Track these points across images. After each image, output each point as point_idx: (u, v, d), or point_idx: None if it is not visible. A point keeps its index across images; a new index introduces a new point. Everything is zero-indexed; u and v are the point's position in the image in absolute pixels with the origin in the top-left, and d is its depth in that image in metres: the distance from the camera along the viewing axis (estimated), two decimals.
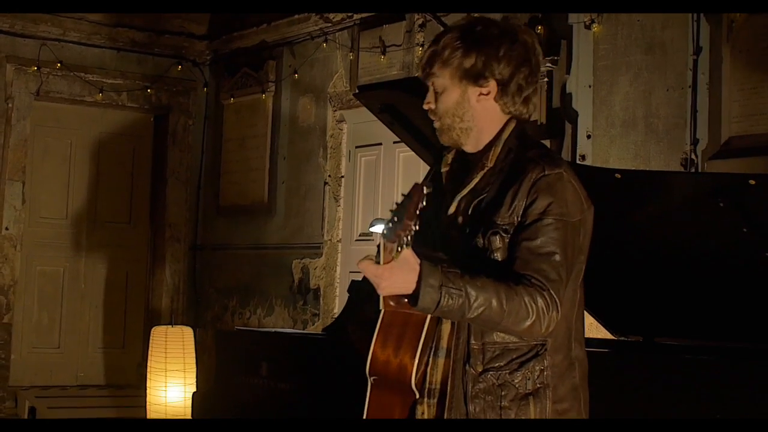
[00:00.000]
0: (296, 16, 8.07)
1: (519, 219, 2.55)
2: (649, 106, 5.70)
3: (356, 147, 7.82)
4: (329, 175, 7.91)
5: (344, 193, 7.84)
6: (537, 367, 2.57)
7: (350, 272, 7.56)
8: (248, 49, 8.63)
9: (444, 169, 2.80)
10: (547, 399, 2.57)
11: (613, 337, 4.49)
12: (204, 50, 9.05)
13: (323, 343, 4.74)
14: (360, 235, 7.69)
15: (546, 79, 6.14)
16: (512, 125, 2.70)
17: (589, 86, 5.98)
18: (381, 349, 2.64)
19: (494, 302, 2.44)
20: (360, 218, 7.72)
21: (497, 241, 2.56)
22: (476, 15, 2.79)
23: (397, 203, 2.39)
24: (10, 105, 8.30)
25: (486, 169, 2.66)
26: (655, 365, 3.62)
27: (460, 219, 2.66)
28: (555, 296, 2.49)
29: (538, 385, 2.56)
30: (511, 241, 2.55)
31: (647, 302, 4.06)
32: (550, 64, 6.13)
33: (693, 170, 5.41)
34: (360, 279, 3.29)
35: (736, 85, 5.27)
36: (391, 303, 2.53)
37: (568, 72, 6.10)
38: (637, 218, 3.69)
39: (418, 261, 2.43)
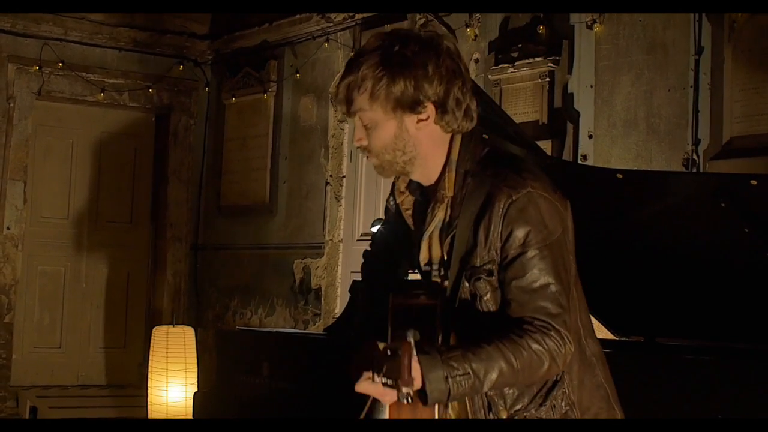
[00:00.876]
0: (298, 16, 8.07)
1: (499, 255, 2.40)
2: (651, 106, 5.70)
3: (358, 147, 7.81)
4: (331, 175, 7.91)
5: (346, 193, 7.84)
6: (560, 392, 2.45)
7: (351, 272, 7.56)
8: (250, 49, 8.63)
9: (400, 199, 2.62)
10: (575, 416, 2.46)
11: (614, 337, 4.48)
12: (205, 50, 9.05)
13: (324, 343, 4.74)
14: (361, 235, 7.68)
15: (547, 79, 6.15)
16: (458, 142, 2.50)
17: (591, 86, 5.98)
18: (396, 413, 2.44)
19: (505, 368, 2.31)
20: (361, 218, 7.72)
21: (484, 287, 2.41)
22: (387, 31, 2.52)
23: (388, 350, 2.25)
24: (11, 104, 8.30)
25: (446, 200, 2.48)
26: (657, 365, 3.62)
27: (435, 263, 2.52)
28: (562, 330, 2.36)
29: (565, 408, 2.46)
30: (498, 279, 2.40)
31: (648, 302, 4.06)
32: (551, 64, 6.13)
33: (694, 170, 5.41)
34: (360, 279, 3.26)
35: (738, 85, 5.26)
36: (409, 399, 2.33)
37: (569, 72, 6.10)
38: (639, 218, 3.68)
39: (416, 359, 2.26)
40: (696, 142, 5.46)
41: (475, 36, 6.67)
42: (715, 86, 5.39)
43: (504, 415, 2.44)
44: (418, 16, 7.13)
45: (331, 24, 7.84)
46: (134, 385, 8.58)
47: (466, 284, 2.43)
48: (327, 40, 7.90)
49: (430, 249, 2.53)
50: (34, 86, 8.41)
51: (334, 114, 7.92)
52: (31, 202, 8.55)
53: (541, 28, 6.16)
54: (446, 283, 2.48)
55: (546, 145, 5.87)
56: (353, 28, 7.72)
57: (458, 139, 2.50)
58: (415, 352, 2.25)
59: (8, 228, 8.28)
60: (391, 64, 2.42)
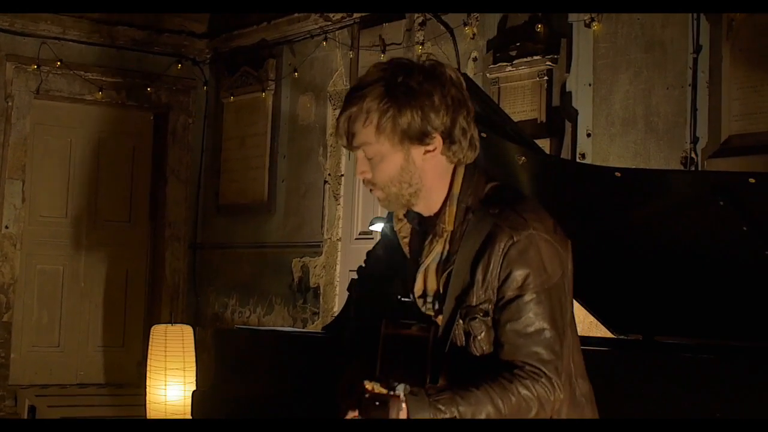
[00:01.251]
0: (296, 15, 8.07)
1: (496, 295, 2.37)
2: (649, 104, 5.70)
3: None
4: (329, 174, 7.91)
5: (344, 192, 7.84)
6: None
7: (350, 271, 7.56)
8: (248, 48, 8.63)
9: (398, 226, 2.57)
10: None
11: (612, 336, 4.48)
12: (204, 49, 9.04)
13: (323, 341, 4.74)
14: (360, 234, 7.69)
15: (546, 78, 6.15)
16: (461, 174, 2.47)
17: (589, 85, 5.98)
18: None
19: (492, 412, 2.29)
20: (360, 217, 7.72)
21: (478, 326, 2.38)
22: (387, 61, 2.47)
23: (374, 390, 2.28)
24: (9, 103, 8.30)
25: (445, 234, 2.45)
26: (655, 364, 3.61)
27: (430, 296, 2.48)
28: (553, 378, 2.34)
29: None
30: (493, 320, 2.38)
31: (647, 301, 4.06)
32: (549, 63, 6.13)
33: (693, 169, 5.41)
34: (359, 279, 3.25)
35: (736, 83, 5.27)
36: None
37: (567, 70, 6.10)
38: (637, 217, 3.68)
39: (402, 402, 2.26)
40: (694, 140, 5.47)
41: (474, 35, 6.67)
42: (713, 85, 5.40)
43: None
44: (416, 15, 7.13)
45: (330, 23, 7.84)
46: (133, 384, 8.58)
47: (461, 322, 2.40)
48: (325, 39, 7.90)
49: (425, 281, 2.49)
50: (32, 85, 8.40)
51: (333, 112, 7.92)
52: (29, 201, 8.55)
53: (539, 27, 6.16)
54: (440, 318, 2.45)
55: (544, 144, 5.87)
56: (351, 27, 7.72)
57: (461, 171, 2.47)
58: (403, 406, 2.25)
59: (6, 227, 8.28)
60: (396, 95, 2.38)
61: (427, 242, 2.48)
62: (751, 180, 3.31)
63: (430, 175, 2.44)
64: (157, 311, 8.88)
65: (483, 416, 2.29)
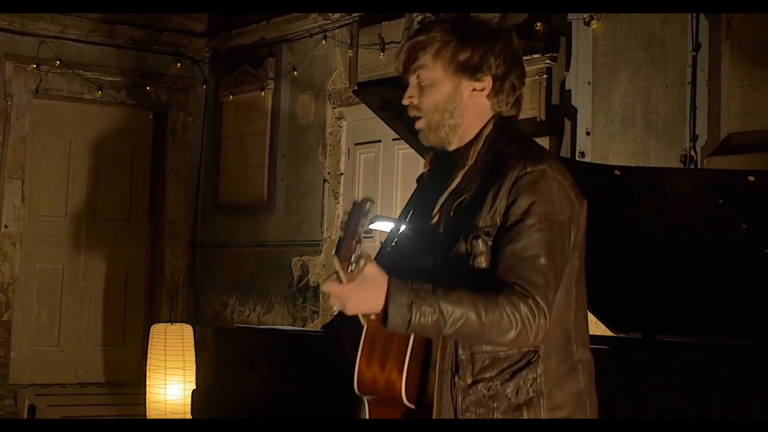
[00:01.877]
0: (295, 14, 8.06)
1: (501, 220, 2.42)
2: (649, 102, 5.70)
3: (355, 144, 7.82)
4: (328, 173, 7.91)
5: (343, 191, 7.84)
6: (530, 376, 2.44)
7: None
8: (247, 47, 8.62)
9: (425, 171, 2.69)
10: (541, 408, 2.44)
11: (612, 334, 4.49)
12: (203, 47, 9.04)
13: (323, 340, 4.74)
14: None
15: (545, 76, 6.14)
16: (493, 121, 2.58)
17: (589, 83, 5.98)
18: (366, 366, 2.52)
19: (472, 315, 2.32)
20: None
21: (479, 246, 2.43)
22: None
23: (342, 222, 2.34)
24: (9, 103, 8.30)
25: (467, 167, 2.53)
26: (655, 362, 3.62)
27: (442, 223, 2.54)
28: (541, 303, 2.35)
29: (531, 395, 2.44)
30: (494, 244, 2.42)
31: (646, 299, 4.06)
32: (549, 61, 6.13)
33: (692, 167, 5.41)
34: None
35: (736, 81, 5.27)
36: (372, 317, 2.40)
37: (567, 69, 6.10)
38: (636, 215, 3.69)
39: (386, 278, 2.33)
40: (694, 138, 5.46)
41: None
42: (712, 83, 5.39)
43: (468, 381, 2.45)
44: (415, 13, 7.13)
45: (329, 21, 7.84)
46: (133, 383, 8.58)
47: (464, 242, 2.45)
48: (324, 38, 7.89)
49: (441, 209, 2.56)
50: (31, 84, 8.40)
51: (332, 111, 7.92)
52: (29, 200, 8.55)
53: (538, 25, 6.16)
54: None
55: (544, 142, 5.87)
56: (350, 26, 7.71)
57: (494, 119, 2.58)
58: (366, 209, 2.32)
59: (6, 226, 8.28)
60: (462, 31, 2.55)
61: (450, 175, 2.56)
62: (750, 178, 3.32)
63: (472, 112, 2.56)
64: (157, 310, 8.88)
65: (462, 318, 2.32)
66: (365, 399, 2.59)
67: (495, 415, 2.43)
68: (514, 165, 2.45)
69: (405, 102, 2.60)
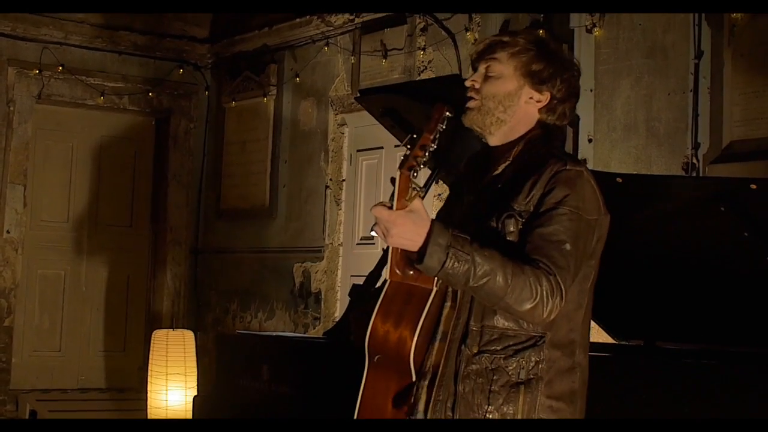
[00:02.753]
0: (297, 20, 8.08)
1: (534, 207, 2.56)
2: (651, 110, 5.70)
3: (357, 150, 7.82)
4: (330, 179, 7.92)
5: (345, 197, 7.84)
6: (533, 358, 2.55)
7: (351, 276, 7.56)
8: (250, 53, 8.63)
9: (464, 168, 2.85)
10: (539, 392, 2.55)
11: (614, 341, 4.48)
12: (205, 53, 9.05)
13: (324, 346, 4.74)
14: (361, 239, 7.69)
15: None
16: (538, 128, 2.73)
17: (591, 90, 5.98)
18: (382, 321, 2.60)
19: (499, 275, 2.44)
20: (361, 222, 7.72)
21: (511, 225, 2.56)
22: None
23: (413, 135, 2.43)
24: (11, 108, 8.31)
25: (508, 161, 2.69)
26: (657, 369, 3.61)
27: (478, 205, 2.68)
28: (561, 283, 2.47)
29: (531, 376, 2.55)
30: (524, 228, 2.55)
31: (648, 306, 4.06)
32: None
33: (694, 174, 5.41)
34: (361, 283, 3.29)
35: (738, 89, 5.26)
36: (398, 272, 2.54)
37: None
38: (638, 222, 3.69)
39: (430, 217, 2.44)
40: (696, 146, 5.46)
41: (475, 39, 6.67)
42: (714, 90, 5.39)
43: (474, 350, 2.56)
44: (418, 19, 7.14)
45: (331, 28, 7.85)
46: (134, 388, 8.58)
47: (495, 220, 2.58)
48: (327, 44, 7.90)
49: (479, 196, 2.70)
50: (34, 90, 8.41)
51: (334, 117, 7.92)
52: (31, 205, 8.55)
53: (540, 32, 6.16)
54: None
55: None
56: (353, 32, 7.72)
57: (538, 127, 2.73)
58: (446, 114, 2.45)
59: (8, 232, 8.29)
60: (544, 48, 2.72)
61: (490, 168, 2.71)
62: (753, 186, 3.32)
63: (521, 116, 2.71)
64: (159, 316, 8.88)
65: (489, 274, 2.44)
66: (367, 361, 2.64)
67: (493, 388, 2.55)
68: (554, 162, 2.61)
69: (467, 83, 2.73)
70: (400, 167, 2.43)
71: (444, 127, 2.46)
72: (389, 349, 2.59)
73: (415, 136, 2.44)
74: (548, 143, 2.71)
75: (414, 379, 2.60)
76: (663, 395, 3.44)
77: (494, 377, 2.55)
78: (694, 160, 5.46)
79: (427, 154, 2.43)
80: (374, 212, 2.45)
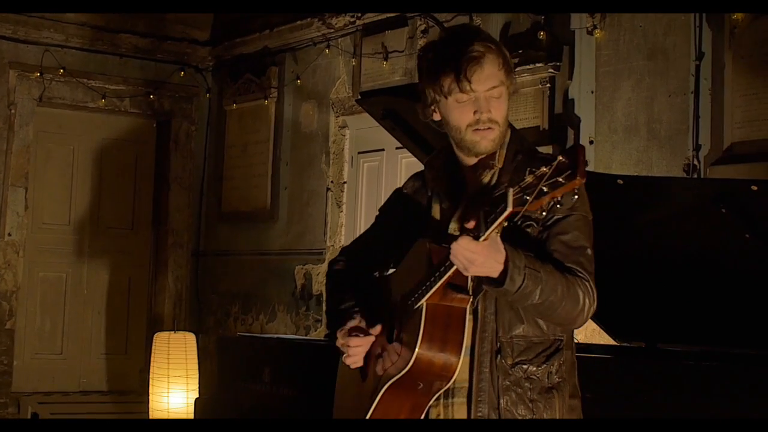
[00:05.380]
0: (298, 22, 8.08)
1: (546, 213, 2.50)
2: (652, 111, 5.70)
3: (359, 153, 7.82)
4: (332, 181, 7.92)
5: (347, 199, 7.84)
6: (557, 362, 2.61)
7: None
8: (251, 55, 8.63)
9: (430, 174, 2.80)
10: (566, 393, 2.62)
11: (615, 343, 4.48)
12: (206, 56, 9.05)
13: (326, 349, 4.74)
14: None
15: (548, 85, 6.15)
16: (508, 126, 2.72)
17: (592, 92, 5.98)
18: (428, 348, 2.55)
19: (560, 288, 2.49)
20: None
21: (531, 232, 2.59)
22: (459, 25, 2.81)
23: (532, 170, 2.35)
24: (12, 111, 8.31)
25: (495, 168, 2.66)
26: (658, 371, 3.61)
27: (470, 215, 2.60)
28: (592, 287, 2.55)
29: (558, 380, 2.61)
30: (543, 235, 2.59)
31: (649, 308, 4.06)
32: (552, 70, 6.13)
33: (695, 176, 5.41)
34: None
35: (739, 90, 5.27)
36: (437, 296, 2.52)
37: (570, 78, 6.10)
38: (639, 224, 3.69)
39: (502, 243, 2.45)
40: (697, 147, 5.46)
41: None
42: (715, 92, 5.40)
43: (509, 362, 2.58)
44: (418, 21, 7.14)
45: (332, 30, 7.85)
46: (135, 391, 8.58)
47: (514, 229, 2.54)
48: (328, 46, 7.90)
49: (466, 208, 2.67)
50: (35, 93, 8.41)
51: (335, 120, 7.93)
52: (32, 208, 8.55)
53: (541, 34, 6.17)
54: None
55: (546, 151, 5.87)
56: (354, 34, 7.72)
57: (510, 129, 2.74)
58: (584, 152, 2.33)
59: (9, 234, 8.28)
60: (499, 45, 2.68)
61: (476, 175, 2.69)
62: (754, 187, 3.32)
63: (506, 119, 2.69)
64: (160, 318, 8.88)
65: (553, 290, 2.48)
66: (388, 384, 2.60)
67: (532, 396, 2.58)
68: None
69: (485, 115, 2.64)
70: (517, 205, 2.34)
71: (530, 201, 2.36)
72: (433, 374, 2.57)
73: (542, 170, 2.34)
74: (523, 142, 2.72)
75: (431, 397, 2.60)
76: (664, 397, 3.45)
77: (530, 386, 2.59)
78: (695, 162, 5.46)
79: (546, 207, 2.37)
80: (463, 244, 2.41)
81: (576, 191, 2.38)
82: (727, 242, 3.55)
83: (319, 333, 7.69)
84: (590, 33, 5.99)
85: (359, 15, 7.60)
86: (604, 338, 4.52)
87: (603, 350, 4.27)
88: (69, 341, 8.81)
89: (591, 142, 5.95)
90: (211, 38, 9.05)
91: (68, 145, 8.87)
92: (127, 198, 9.12)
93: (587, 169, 2.33)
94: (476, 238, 2.40)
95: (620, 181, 3.56)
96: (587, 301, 2.53)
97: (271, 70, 8.43)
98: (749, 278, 3.64)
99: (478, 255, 2.42)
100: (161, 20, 8.81)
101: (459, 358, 2.54)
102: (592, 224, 2.65)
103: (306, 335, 7.81)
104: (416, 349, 2.54)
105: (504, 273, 2.45)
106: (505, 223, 2.39)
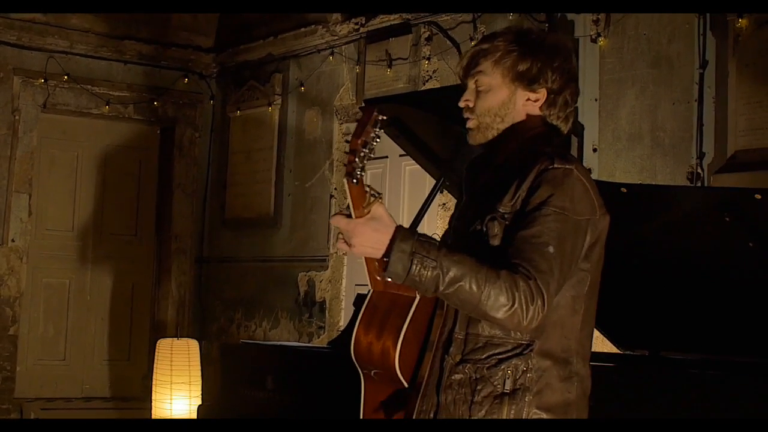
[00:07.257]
0: (302, 29, 8.09)
1: (519, 207, 2.44)
2: (655, 119, 5.70)
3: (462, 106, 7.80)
4: (335, 188, 7.92)
5: None
6: (520, 367, 2.43)
7: (356, 285, 7.56)
8: (255, 62, 8.65)
9: (465, 173, 2.77)
10: (525, 403, 2.42)
11: (618, 351, 4.48)
12: (210, 63, 9.07)
13: (329, 356, 4.74)
14: None
15: None
16: (541, 126, 2.63)
17: (595, 100, 5.98)
18: (364, 333, 2.54)
19: (471, 280, 2.31)
20: None
21: (495, 228, 2.45)
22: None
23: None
24: (17, 117, 8.32)
25: (500, 163, 2.61)
26: (661, 379, 3.61)
27: (470, 208, 2.60)
28: (542, 288, 2.32)
29: (517, 387, 2.42)
30: (508, 230, 2.44)
31: (653, 316, 4.05)
32: None
33: (699, 184, 5.41)
34: (366, 292, 3.28)
35: (743, 98, 5.27)
36: (378, 278, 2.45)
37: None
38: (643, 232, 3.68)
39: (395, 224, 2.37)
40: (700, 155, 5.46)
41: None
42: (719, 100, 5.40)
43: (457, 359, 2.47)
44: (422, 28, 7.15)
45: (336, 37, 7.86)
46: (138, 397, 8.58)
47: (480, 223, 2.49)
48: (332, 54, 7.91)
49: (471, 201, 2.63)
50: (39, 99, 8.43)
51: (339, 127, 7.93)
52: (36, 214, 8.56)
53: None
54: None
55: None
56: (358, 42, 7.73)
57: (542, 125, 2.63)
58: (376, 115, 2.35)
59: (13, 240, 8.29)
60: (525, 44, 2.60)
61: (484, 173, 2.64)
62: (757, 196, 3.31)
63: (522, 118, 2.61)
64: (163, 325, 8.88)
65: (460, 282, 2.32)
66: (361, 375, 2.60)
67: (476, 398, 2.44)
68: (542, 160, 2.48)
69: (461, 104, 2.66)
70: (347, 176, 2.36)
71: (379, 129, 2.36)
72: (374, 360, 2.53)
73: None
74: (549, 142, 2.58)
75: (406, 385, 2.53)
76: (668, 405, 3.44)
77: (478, 387, 2.44)
78: (699, 170, 5.46)
79: (359, 158, 2.34)
80: (333, 222, 2.40)
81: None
82: (730, 250, 3.55)
83: (322, 340, 7.69)
84: (594, 41, 5.99)
85: (363, 22, 7.61)
86: (607, 346, 4.52)
87: (606, 358, 4.26)
88: (72, 347, 8.81)
89: (594, 150, 5.95)
90: (215, 45, 9.06)
91: (72, 152, 8.88)
92: (131, 204, 9.13)
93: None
94: (349, 215, 2.38)
95: (624, 190, 3.56)
96: (522, 300, 2.30)
97: (275, 77, 8.44)
98: (752, 286, 3.63)
99: (351, 233, 2.37)
100: (165, 27, 8.83)
101: (396, 345, 2.47)
102: (578, 223, 2.44)
103: (309, 342, 7.80)
104: (353, 333, 2.55)
105: (388, 255, 2.35)
106: (377, 199, 2.37)
